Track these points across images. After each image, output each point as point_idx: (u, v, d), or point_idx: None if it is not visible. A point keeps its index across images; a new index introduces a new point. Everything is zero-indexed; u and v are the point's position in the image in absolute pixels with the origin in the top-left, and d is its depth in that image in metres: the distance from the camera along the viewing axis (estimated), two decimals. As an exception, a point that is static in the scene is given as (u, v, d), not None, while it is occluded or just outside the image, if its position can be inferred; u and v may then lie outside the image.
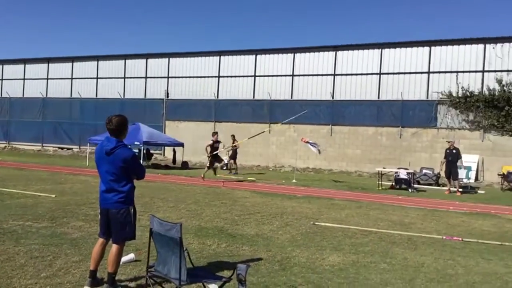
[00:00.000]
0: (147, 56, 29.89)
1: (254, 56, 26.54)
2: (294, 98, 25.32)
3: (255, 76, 26.50)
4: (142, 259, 5.54)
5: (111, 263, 4.62)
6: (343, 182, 18.80)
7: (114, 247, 4.68)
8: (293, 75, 25.50)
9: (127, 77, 30.45)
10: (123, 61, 30.55)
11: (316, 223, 8.99)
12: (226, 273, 5.09)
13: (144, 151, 22.15)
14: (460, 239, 8.06)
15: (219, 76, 27.51)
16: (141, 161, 20.12)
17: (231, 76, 27.17)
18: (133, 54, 30.55)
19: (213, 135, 17.77)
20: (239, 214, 9.60)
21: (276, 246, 6.94)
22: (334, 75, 24.30)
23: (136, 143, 20.36)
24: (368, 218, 10.02)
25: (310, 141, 19.12)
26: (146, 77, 29.79)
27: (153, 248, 4.46)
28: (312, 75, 24.92)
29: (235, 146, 20.59)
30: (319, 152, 19.22)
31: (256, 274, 5.38)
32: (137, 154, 19.57)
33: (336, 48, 24.30)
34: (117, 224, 4.68)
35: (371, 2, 56.14)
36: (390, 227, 8.99)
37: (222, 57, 27.47)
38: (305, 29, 57.42)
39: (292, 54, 25.53)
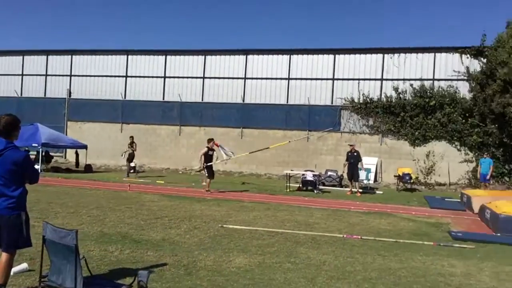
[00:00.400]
0: (47, 52, 28.06)
1: (164, 56, 26.03)
2: (205, 100, 25.22)
3: (165, 77, 26.00)
4: (36, 269, 5.13)
5: (0, 274, 4.27)
6: (253, 184, 19.06)
7: (4, 256, 4.35)
8: (204, 77, 25.39)
9: (25, 74, 28.36)
10: (21, 57, 28.41)
11: (224, 225, 8.98)
12: (127, 281, 4.88)
13: (43, 154, 20.71)
14: (359, 237, 8.49)
15: (126, 76, 26.59)
16: (39, 164, 18.84)
17: (140, 77, 26.40)
18: (32, 50, 28.50)
19: (208, 142, 15.78)
20: (145, 219, 9.30)
21: (182, 250, 6.81)
22: (245, 78, 24.59)
23: (34, 145, 19.00)
24: (275, 219, 10.21)
25: (224, 147, 19.14)
26: (46, 75, 27.96)
27: (48, 257, 4.14)
28: (223, 78, 25.00)
29: (134, 149, 19.97)
30: (232, 155, 19.11)
31: (160, 280, 5.22)
32: (33, 156, 18.39)
33: (247, 52, 24.62)
34: (7, 231, 4.34)
35: (279, 8, 57.77)
36: (295, 228, 9.24)
37: (130, 56, 26.59)
38: (217, 32, 57.55)
39: (203, 56, 25.41)
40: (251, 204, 12.52)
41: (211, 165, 15.49)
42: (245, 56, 24.65)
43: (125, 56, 26.65)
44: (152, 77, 26.20)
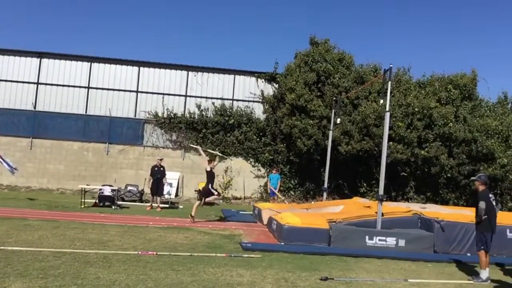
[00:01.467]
0: None
1: None
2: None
3: None
4: None
5: None
6: (42, 200, 17.22)
7: None
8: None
9: None
10: None
11: (2, 247, 7.84)
12: None
13: None
14: (155, 253, 8.32)
15: None
16: None
17: None
18: None
19: (209, 163, 14.25)
20: None
21: None
22: (38, 83, 22.27)
23: None
24: (64, 238, 9.34)
25: (6, 159, 16.93)
26: None
27: None
28: (12, 81, 22.20)
29: None
30: (15, 171, 17.08)
31: None
32: None
33: (40, 54, 22.38)
34: None
35: (85, 12, 54.58)
36: (86, 247, 8.59)
37: None
38: (6, 29, 51.14)
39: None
40: (37, 222, 11.24)
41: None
42: (38, 59, 22.35)
43: None
44: None
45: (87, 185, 17.99)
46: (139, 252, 8.31)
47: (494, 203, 8.10)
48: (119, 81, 22.68)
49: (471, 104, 21.02)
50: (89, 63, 22.62)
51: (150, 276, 6.68)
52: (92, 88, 22.51)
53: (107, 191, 16.51)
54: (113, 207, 15.87)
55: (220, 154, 17.37)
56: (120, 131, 22.26)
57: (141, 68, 22.85)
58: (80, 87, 22.47)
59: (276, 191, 18.55)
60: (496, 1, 56.38)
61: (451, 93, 20.50)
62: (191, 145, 19.46)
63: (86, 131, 22.12)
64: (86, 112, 22.37)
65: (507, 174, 19.34)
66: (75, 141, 21.95)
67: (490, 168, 19.10)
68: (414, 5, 59.06)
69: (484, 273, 7.88)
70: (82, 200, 16.01)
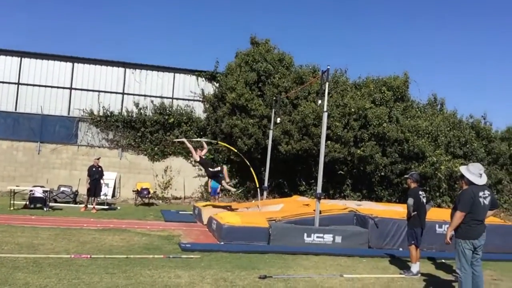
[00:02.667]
0: None
1: None
2: None
3: None
4: None
5: None
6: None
7: None
8: None
9: None
10: None
11: None
12: None
13: None
14: (89, 256, 8.02)
15: None
16: None
17: None
18: None
19: (196, 151, 13.99)
20: None
21: None
22: (-40, 78, 20.81)
23: None
24: (-10, 242, 8.78)
25: None
26: None
27: None
28: None
29: None
30: None
31: None
32: None
33: (-38, 48, 20.92)
34: None
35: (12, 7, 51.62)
36: (15, 251, 8.15)
37: None
38: None
39: None
40: (-41, 227, 10.50)
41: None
42: (-40, 53, 20.87)
43: None
44: None
45: (17, 186, 17.04)
46: (72, 256, 7.97)
47: (424, 200, 8.49)
48: (51, 77, 21.60)
49: (403, 105, 21.99)
50: (19, 58, 21.35)
51: (83, 280, 6.42)
52: (22, 84, 21.28)
53: (39, 192, 15.76)
54: (44, 209, 15.15)
55: (206, 140, 16.93)
56: (53, 130, 21.23)
57: (75, 64, 21.89)
58: (9, 83, 21.17)
59: (218, 191, 18.49)
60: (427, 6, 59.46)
61: (385, 94, 21.34)
62: (175, 140, 18.49)
63: (16, 130, 20.90)
64: (16, 109, 21.13)
65: (436, 172, 20.39)
66: (4, 140, 20.69)
67: (421, 166, 20.05)
68: (350, 9, 61.04)
69: (415, 267, 8.25)
70: (12, 202, 15.12)
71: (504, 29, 56.17)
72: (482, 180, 6.20)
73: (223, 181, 13.98)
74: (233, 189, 15.69)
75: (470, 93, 56.18)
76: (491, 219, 10.46)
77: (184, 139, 15.84)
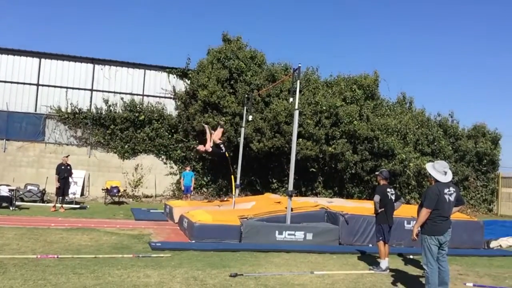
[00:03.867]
0: None
1: None
2: None
3: None
4: None
5: None
6: None
7: None
8: None
9: None
10: None
11: None
12: None
13: None
14: (56, 256, 7.84)
15: None
16: None
17: None
18: None
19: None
20: None
21: None
22: None
23: None
24: (-50, 244, 8.48)
25: None
26: None
27: None
28: None
29: None
30: None
31: None
32: None
33: None
34: None
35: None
36: (-22, 252, 7.87)
37: None
38: None
39: None
40: None
41: None
42: None
43: None
44: None
45: (-20, 185, 16.53)
46: (38, 256, 7.77)
47: (393, 197, 8.62)
48: (17, 73, 20.98)
49: (373, 104, 22.35)
50: (-17, 53, 20.71)
51: (49, 280, 6.27)
52: (-13, 80, 20.64)
53: (4, 191, 15.43)
54: (10, 208, 14.76)
55: (222, 122, 16.18)
56: (19, 127, 20.64)
57: (43, 60, 21.32)
58: (-28, 78, 20.52)
59: (190, 189, 18.37)
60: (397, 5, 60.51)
61: (356, 93, 21.64)
62: (203, 124, 17.28)
63: (-19, 127, 20.26)
64: (-19, 106, 20.48)
65: (405, 169, 20.81)
66: (-34, 138, 20.06)
67: (390, 163, 20.42)
68: (321, 7, 61.55)
69: (384, 263, 8.38)
70: (-26, 201, 14.67)
71: (468, 32, 57.69)
72: (447, 178, 6.34)
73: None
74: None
75: (437, 92, 57.49)
76: (457, 215, 10.74)
77: (206, 126, 15.00)
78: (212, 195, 21.43)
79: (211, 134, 14.05)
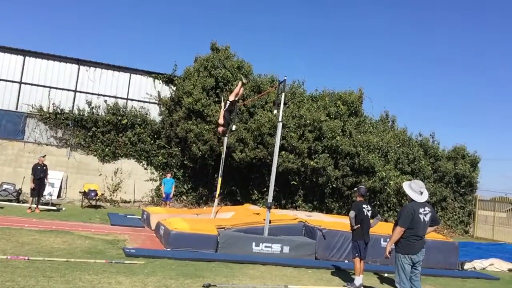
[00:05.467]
0: None
1: None
2: None
3: None
4: None
5: None
6: None
7: None
8: None
9: None
10: None
11: None
12: None
13: None
14: (26, 258, 7.67)
15: None
16: None
17: None
18: None
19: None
20: None
21: None
22: None
23: None
24: None
25: None
26: None
27: None
28: None
29: None
30: None
31: None
32: None
33: None
34: None
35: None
36: None
37: None
38: None
39: None
40: None
41: None
42: None
43: None
44: None
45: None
46: (9, 257, 7.60)
47: (369, 213, 8.66)
48: (0, 70, 20.68)
49: (357, 120, 22.53)
50: (-35, 48, 20.37)
51: (18, 283, 6.12)
52: (-33, 76, 20.28)
53: (-22, 189, 15.01)
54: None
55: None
56: (-1, 124, 20.30)
57: (27, 58, 21.03)
58: (-47, 73, 20.13)
59: (170, 196, 18.22)
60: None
61: (340, 108, 21.80)
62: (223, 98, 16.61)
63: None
64: (-41, 101, 20.08)
65: (385, 186, 20.96)
66: None
67: (371, 180, 20.55)
68: (310, 25, 62.16)
69: (358, 280, 8.39)
70: None
71: (451, 59, 58.84)
72: (423, 198, 6.40)
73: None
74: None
75: (420, 113, 58.32)
76: (433, 235, 10.84)
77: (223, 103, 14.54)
78: (192, 203, 21.27)
79: (225, 106, 13.38)
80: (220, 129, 13.16)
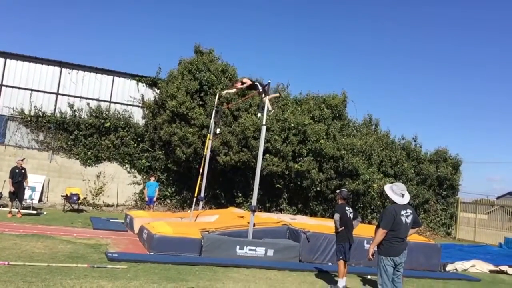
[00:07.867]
0: None
1: None
2: None
3: None
4: None
5: None
6: None
7: None
8: None
9: None
10: None
11: None
12: None
13: None
14: (7, 263, 7.54)
15: None
16: None
17: None
18: None
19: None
20: None
21: None
22: None
23: None
24: None
25: None
26: None
27: None
28: None
29: None
30: None
31: None
32: None
33: None
34: None
35: None
36: None
37: None
38: None
39: None
40: None
41: None
42: None
43: None
44: None
45: None
46: (-13, 263, 7.45)
47: (351, 216, 8.72)
48: (-20, 71, 20.36)
49: (341, 124, 22.69)
50: None
51: (-5, 289, 6.00)
52: None
53: (-44, 194, 14.70)
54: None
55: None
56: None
57: (8, 60, 20.69)
58: None
59: (154, 199, 18.10)
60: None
61: (324, 112, 21.93)
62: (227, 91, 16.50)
63: None
64: None
65: (368, 189, 21.13)
66: None
67: (354, 183, 20.70)
68: (294, 28, 62.52)
69: (341, 282, 8.43)
70: None
71: (437, 63, 59.72)
72: (405, 200, 6.48)
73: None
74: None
75: (403, 115, 59.00)
76: (415, 237, 10.96)
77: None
78: (176, 206, 21.15)
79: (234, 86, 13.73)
80: (238, 84, 13.21)
